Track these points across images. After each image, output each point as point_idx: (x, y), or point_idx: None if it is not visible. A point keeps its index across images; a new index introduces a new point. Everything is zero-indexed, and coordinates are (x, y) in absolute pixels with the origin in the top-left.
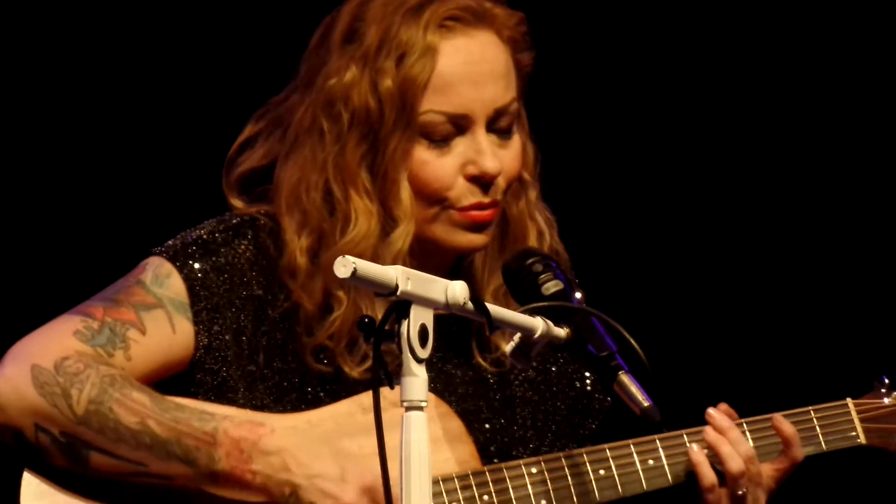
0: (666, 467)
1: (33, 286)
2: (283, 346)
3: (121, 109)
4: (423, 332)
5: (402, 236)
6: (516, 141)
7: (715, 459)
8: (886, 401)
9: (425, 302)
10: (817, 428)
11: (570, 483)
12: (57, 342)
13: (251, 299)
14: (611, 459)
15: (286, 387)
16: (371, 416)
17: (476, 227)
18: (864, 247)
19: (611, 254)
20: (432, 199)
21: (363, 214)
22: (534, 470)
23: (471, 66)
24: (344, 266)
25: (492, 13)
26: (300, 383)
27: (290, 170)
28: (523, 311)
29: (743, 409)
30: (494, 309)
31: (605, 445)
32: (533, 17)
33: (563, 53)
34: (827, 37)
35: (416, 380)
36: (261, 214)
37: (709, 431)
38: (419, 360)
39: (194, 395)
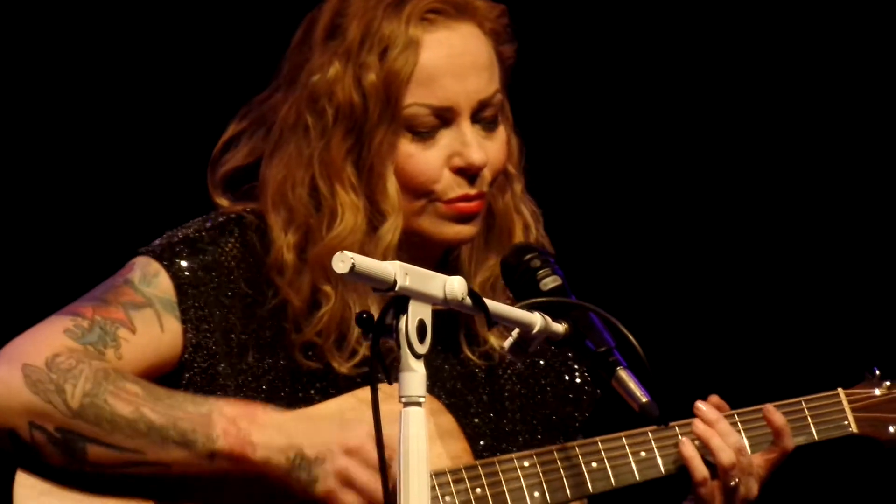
0: (658, 459)
1: (21, 289)
2: (272, 344)
3: (106, 110)
4: (421, 327)
5: (391, 230)
6: (501, 132)
7: (705, 452)
8: (877, 391)
9: (423, 297)
10: (809, 418)
11: (563, 475)
12: (47, 341)
13: (239, 297)
14: (603, 452)
15: (277, 385)
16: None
17: (463, 218)
18: (854, 240)
19: (604, 249)
20: (419, 192)
21: (349, 209)
22: (526, 463)
23: (454, 59)
24: (342, 262)
25: (473, 6)
26: (291, 380)
27: (275, 167)
28: (522, 307)
29: (736, 401)
30: (493, 304)
31: (597, 438)
32: (526, 12)
33: (555, 49)
34: (822, 36)
35: (415, 375)
36: (247, 212)
37: (697, 423)
38: (417, 356)
39: None
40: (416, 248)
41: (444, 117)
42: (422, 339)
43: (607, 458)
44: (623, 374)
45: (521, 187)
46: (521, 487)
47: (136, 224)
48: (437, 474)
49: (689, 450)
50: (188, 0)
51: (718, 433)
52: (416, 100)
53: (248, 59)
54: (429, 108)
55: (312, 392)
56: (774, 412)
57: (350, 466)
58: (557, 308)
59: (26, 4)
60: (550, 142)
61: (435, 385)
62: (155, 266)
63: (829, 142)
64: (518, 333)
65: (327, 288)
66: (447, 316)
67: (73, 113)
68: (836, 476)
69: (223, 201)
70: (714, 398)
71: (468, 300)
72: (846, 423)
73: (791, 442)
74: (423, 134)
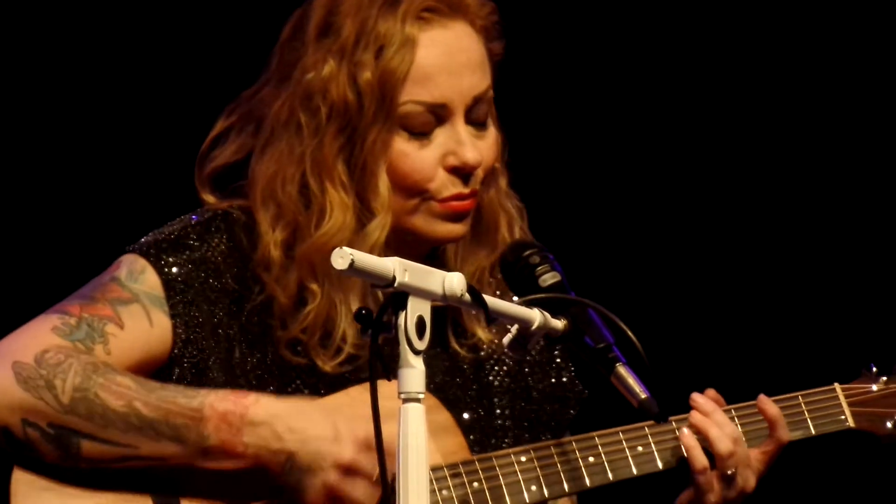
0: (655, 453)
1: (9, 289)
2: (259, 339)
3: (93, 109)
4: (420, 323)
5: (379, 228)
6: (492, 131)
7: (703, 442)
8: (874, 387)
9: (422, 293)
10: (805, 413)
11: (560, 469)
12: (36, 339)
13: (226, 293)
14: (600, 447)
15: (265, 379)
16: (361, 409)
17: (456, 217)
18: (851, 236)
19: (603, 246)
20: (413, 190)
21: (339, 207)
22: (523, 458)
23: (449, 57)
24: (341, 258)
25: (465, 3)
26: (279, 375)
27: (265, 163)
28: (521, 303)
29: (733, 397)
30: (492, 301)
31: (594, 433)
32: (516, 8)
33: (548, 45)
34: (821, 36)
35: (414, 372)
36: (234, 208)
37: (694, 415)
38: (417, 352)
39: None
40: (405, 246)
41: (439, 115)
42: (421, 335)
43: (604, 453)
44: (622, 370)
45: (505, 182)
46: (519, 481)
47: (123, 222)
48: (434, 469)
49: (690, 439)
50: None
51: (715, 423)
52: (412, 97)
53: (235, 55)
54: (423, 106)
55: (300, 385)
56: (768, 402)
57: (341, 484)
58: (556, 304)
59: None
60: (547, 139)
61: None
62: (141, 263)
63: (823, 136)
64: (517, 330)
65: (314, 286)
66: (434, 310)
67: (59, 112)
68: (833, 472)
69: (210, 198)
70: (710, 392)
71: (467, 296)
72: (843, 417)
73: (786, 433)
74: (418, 133)
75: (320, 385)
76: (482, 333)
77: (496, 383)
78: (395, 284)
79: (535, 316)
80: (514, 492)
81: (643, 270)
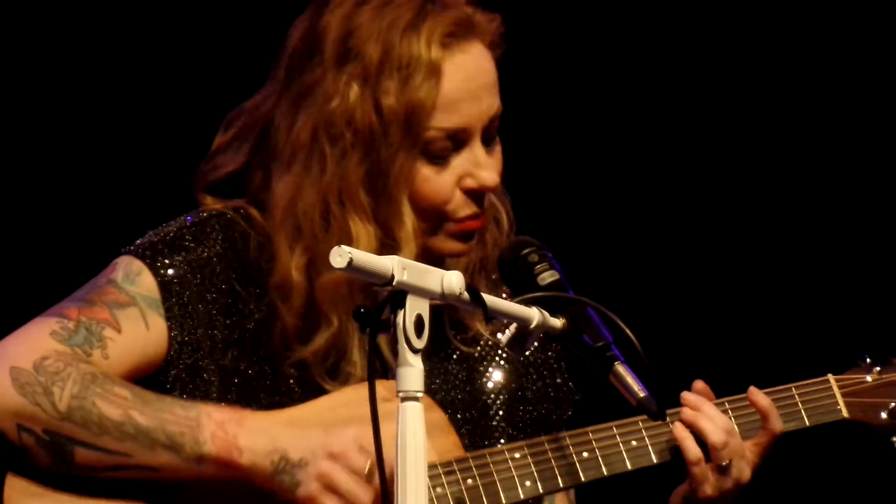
0: (650, 447)
1: (6, 289)
2: (256, 345)
3: (89, 111)
4: (418, 322)
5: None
6: (499, 146)
7: (697, 435)
8: (869, 377)
9: (421, 292)
10: (799, 404)
11: (554, 465)
12: (34, 344)
13: (222, 293)
14: (594, 441)
15: (260, 382)
16: (355, 409)
17: (469, 236)
18: (844, 229)
19: (601, 244)
20: (431, 213)
21: (363, 237)
22: (517, 454)
23: (471, 83)
24: (340, 256)
25: (476, 22)
26: (273, 380)
27: (285, 185)
28: (519, 302)
29: (727, 390)
30: (490, 299)
31: (588, 428)
32: (520, 11)
33: (549, 45)
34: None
35: (412, 370)
36: (230, 209)
37: (685, 412)
38: (415, 351)
39: (170, 392)
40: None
41: (459, 139)
42: (419, 333)
43: (598, 448)
44: (621, 368)
45: None
46: (513, 477)
47: (119, 224)
48: (429, 467)
49: (682, 431)
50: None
51: (706, 416)
52: (436, 124)
53: (233, 56)
54: (444, 132)
55: (294, 389)
56: (758, 393)
57: (332, 471)
58: (555, 303)
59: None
60: (545, 139)
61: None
62: (138, 265)
63: (816, 129)
64: (516, 328)
65: (333, 316)
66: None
67: (56, 114)
68: (828, 463)
69: (206, 199)
70: (699, 384)
71: (466, 295)
72: (838, 407)
73: (779, 424)
74: (436, 157)
75: (316, 394)
76: (481, 327)
77: (490, 385)
78: (394, 283)
79: (534, 314)
80: (509, 488)
81: (640, 268)
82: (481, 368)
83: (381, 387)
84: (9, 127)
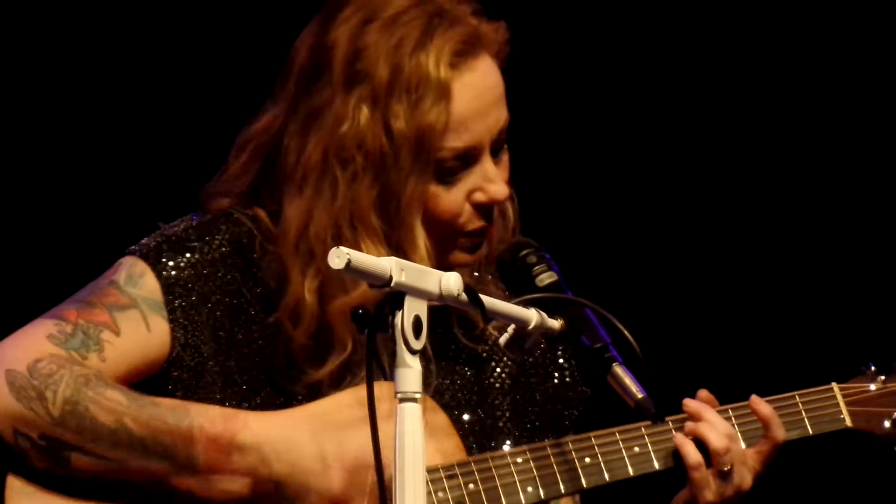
0: (652, 453)
1: (9, 290)
2: (260, 348)
3: (93, 111)
4: (417, 323)
5: None
6: (506, 154)
7: (699, 442)
8: (872, 386)
9: (419, 293)
10: (803, 412)
11: (557, 470)
12: (30, 346)
13: (226, 294)
14: (596, 447)
15: (261, 392)
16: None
17: (476, 247)
18: (848, 235)
19: (600, 245)
20: (441, 229)
21: None
22: (519, 459)
23: (480, 101)
24: (338, 257)
25: (482, 34)
26: (275, 383)
27: (297, 207)
28: (517, 303)
29: (731, 397)
30: (489, 300)
31: (591, 434)
32: (520, 11)
33: (550, 44)
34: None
35: (411, 371)
36: (234, 209)
37: (688, 424)
38: (413, 352)
39: (172, 393)
40: None
41: (469, 156)
42: (417, 334)
43: (601, 453)
44: (619, 370)
45: None
46: (515, 482)
47: (124, 224)
48: (430, 470)
49: (681, 436)
50: (171, 2)
51: (708, 422)
52: (446, 145)
53: (233, 57)
54: (454, 152)
55: (295, 391)
56: (760, 402)
57: None
58: (553, 304)
59: (14, 5)
60: (544, 139)
61: (424, 383)
62: (141, 266)
63: (821, 135)
64: (514, 329)
65: (347, 339)
66: (436, 314)
67: (60, 113)
68: (831, 472)
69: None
70: (703, 393)
71: (464, 296)
72: (841, 416)
73: (781, 432)
74: (446, 175)
75: (318, 396)
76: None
77: (497, 385)
78: (392, 284)
79: (532, 316)
80: (510, 493)
81: (640, 270)
82: (489, 369)
83: (387, 388)
84: (15, 128)
